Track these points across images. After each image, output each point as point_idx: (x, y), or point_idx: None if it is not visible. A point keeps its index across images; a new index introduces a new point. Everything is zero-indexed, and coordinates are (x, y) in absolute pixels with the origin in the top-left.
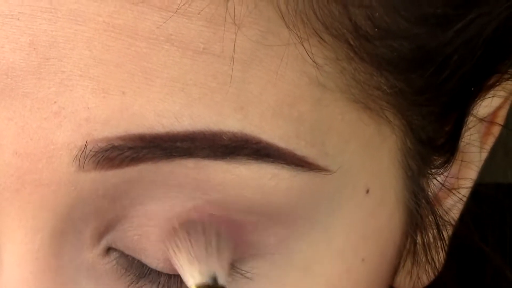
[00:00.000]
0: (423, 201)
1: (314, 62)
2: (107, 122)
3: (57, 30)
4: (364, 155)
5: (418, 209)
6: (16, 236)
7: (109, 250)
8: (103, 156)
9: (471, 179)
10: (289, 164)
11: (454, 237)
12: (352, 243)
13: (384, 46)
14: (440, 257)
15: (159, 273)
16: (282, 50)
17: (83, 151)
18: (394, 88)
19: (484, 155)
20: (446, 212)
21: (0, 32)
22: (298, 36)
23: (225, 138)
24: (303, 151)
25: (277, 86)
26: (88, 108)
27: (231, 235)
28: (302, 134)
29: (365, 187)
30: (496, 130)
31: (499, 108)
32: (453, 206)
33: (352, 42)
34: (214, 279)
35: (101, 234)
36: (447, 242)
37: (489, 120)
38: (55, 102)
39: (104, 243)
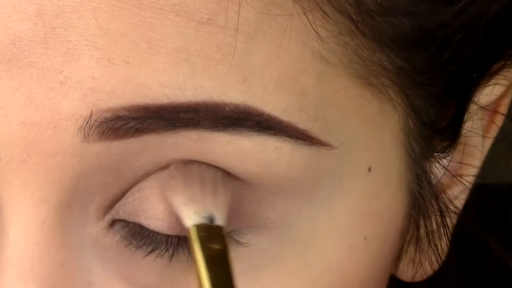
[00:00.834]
0: (426, 184)
1: (317, 33)
2: (112, 93)
3: None
4: (367, 132)
5: (421, 191)
6: (22, 208)
7: (113, 223)
8: (107, 127)
9: (474, 167)
10: (291, 138)
11: (456, 228)
12: (354, 221)
13: (386, 23)
14: (443, 244)
15: (156, 233)
16: (285, 22)
17: (88, 121)
18: (396, 66)
19: (487, 144)
20: (451, 201)
21: (7, 2)
22: (302, 7)
23: (227, 109)
24: (306, 124)
25: (281, 59)
26: (94, 77)
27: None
28: (304, 107)
29: (367, 165)
30: (499, 120)
31: (501, 97)
32: (458, 195)
33: (354, 17)
34: (211, 219)
35: (106, 208)
36: (450, 230)
37: (492, 109)
38: (61, 71)
39: (108, 217)
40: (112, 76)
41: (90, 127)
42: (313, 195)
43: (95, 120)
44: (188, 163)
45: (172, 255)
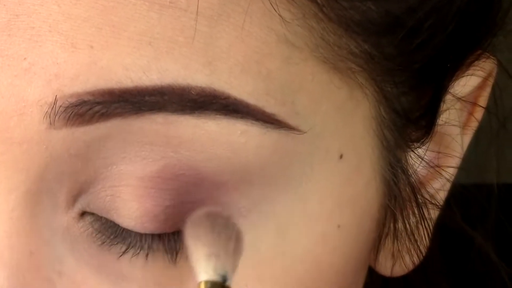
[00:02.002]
0: (401, 173)
1: (280, 16)
2: (76, 77)
3: None
4: (337, 119)
5: (395, 181)
6: None
7: (83, 214)
8: (73, 112)
9: (454, 158)
10: (259, 121)
11: (438, 222)
12: (327, 208)
13: (352, 7)
14: (424, 238)
15: (129, 232)
16: (249, 6)
17: (53, 107)
18: (363, 51)
19: (468, 137)
20: (432, 195)
21: None
22: None
23: (193, 92)
24: (273, 108)
25: (245, 42)
26: (57, 63)
27: (202, 196)
28: (272, 91)
29: (339, 152)
30: (478, 114)
31: (479, 88)
32: (439, 189)
33: (319, 1)
34: (224, 278)
35: (75, 197)
36: (431, 224)
37: (471, 101)
38: (25, 58)
39: (78, 207)
40: (76, 60)
41: (56, 113)
42: (285, 182)
43: (60, 106)
44: (216, 213)
45: (147, 254)
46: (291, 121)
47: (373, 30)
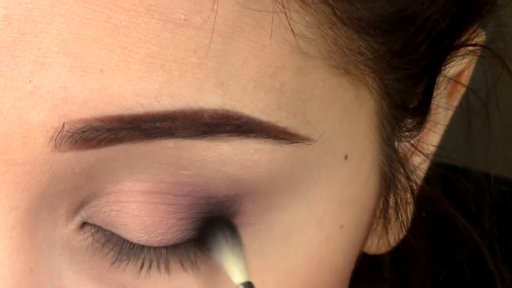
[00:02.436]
0: (396, 163)
1: (294, 26)
2: (85, 103)
3: (33, 2)
4: (343, 120)
5: (392, 171)
6: None
7: (84, 225)
8: (80, 137)
9: (438, 133)
10: (271, 137)
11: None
12: (331, 211)
13: (365, 9)
14: (408, 215)
15: (142, 247)
16: (264, 18)
17: (59, 132)
18: (373, 52)
19: (450, 114)
20: (412, 171)
21: None
22: (279, 2)
23: (206, 116)
24: (285, 122)
25: (259, 57)
26: (65, 88)
27: (212, 208)
28: (283, 105)
29: (344, 153)
30: (461, 91)
31: (464, 68)
32: (419, 165)
33: (332, 3)
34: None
35: (75, 210)
36: (414, 199)
37: (455, 79)
38: (30, 81)
39: (79, 219)
40: (85, 86)
41: (62, 137)
42: (293, 190)
43: (67, 131)
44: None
45: (165, 266)
46: (303, 132)
47: (384, 28)
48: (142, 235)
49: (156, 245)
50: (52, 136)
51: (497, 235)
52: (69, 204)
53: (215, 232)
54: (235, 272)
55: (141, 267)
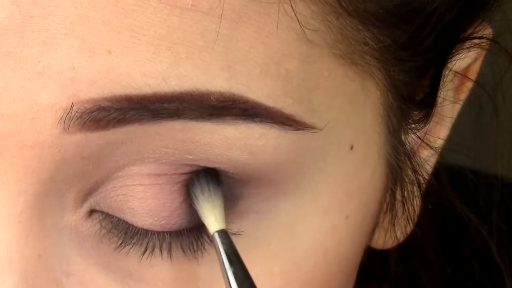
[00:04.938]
0: (403, 155)
1: (299, 14)
2: (93, 83)
3: None
4: (349, 110)
5: (398, 163)
6: None
7: (92, 212)
8: (89, 118)
9: (446, 127)
10: (277, 123)
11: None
12: (337, 200)
13: (371, 1)
14: (416, 209)
15: (146, 232)
16: (270, 6)
17: (68, 112)
18: (379, 43)
19: (457, 108)
20: (419, 164)
21: None
22: None
23: (212, 98)
24: (291, 109)
25: (265, 44)
26: (74, 68)
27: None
28: (289, 92)
29: (350, 143)
30: (469, 85)
31: (471, 62)
32: (427, 159)
33: None
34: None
35: (84, 197)
36: (422, 194)
37: (462, 74)
38: (39, 61)
39: (87, 206)
40: (93, 66)
41: (71, 118)
42: (298, 178)
43: (76, 111)
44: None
45: (168, 252)
46: (308, 120)
47: (389, 20)
48: (147, 218)
49: (160, 230)
50: (61, 117)
51: (505, 229)
52: (78, 191)
53: (200, 181)
54: (210, 220)
55: (144, 252)
